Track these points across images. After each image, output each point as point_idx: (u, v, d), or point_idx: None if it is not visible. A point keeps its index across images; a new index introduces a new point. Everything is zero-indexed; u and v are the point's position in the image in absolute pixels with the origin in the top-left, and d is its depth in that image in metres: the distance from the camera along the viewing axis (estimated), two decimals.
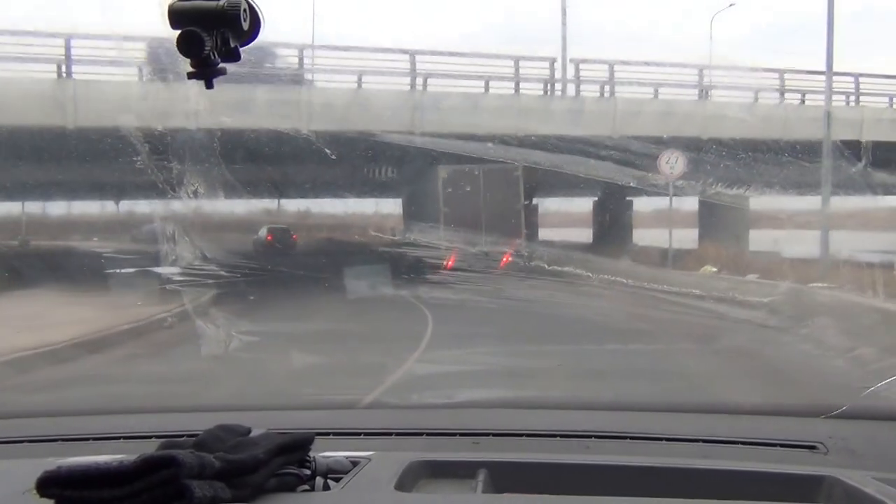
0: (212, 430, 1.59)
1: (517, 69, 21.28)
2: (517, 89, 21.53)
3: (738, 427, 2.40)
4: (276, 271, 15.76)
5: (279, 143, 15.55)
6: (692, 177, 17.24)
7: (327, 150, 14.45)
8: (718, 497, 1.69)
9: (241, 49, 1.42)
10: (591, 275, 11.94)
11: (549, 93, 21.88)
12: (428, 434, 2.34)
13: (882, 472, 1.84)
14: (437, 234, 17.16)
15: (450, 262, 14.25)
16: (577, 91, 21.97)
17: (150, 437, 2.02)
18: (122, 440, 2.24)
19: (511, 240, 17.71)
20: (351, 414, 2.80)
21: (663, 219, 20.73)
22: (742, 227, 22.63)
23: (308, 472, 1.60)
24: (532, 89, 21.91)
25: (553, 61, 21.96)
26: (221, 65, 1.41)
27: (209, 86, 1.43)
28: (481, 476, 1.78)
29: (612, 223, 24.43)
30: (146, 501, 1.30)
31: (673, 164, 17.42)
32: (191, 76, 1.41)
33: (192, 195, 9.26)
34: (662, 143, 17.63)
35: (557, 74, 21.80)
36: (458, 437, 2.30)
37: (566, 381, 5.69)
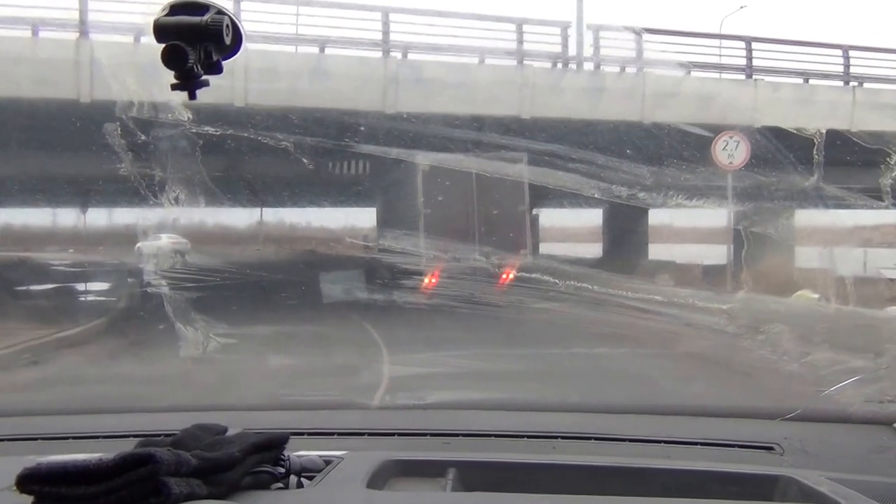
0: (189, 429, 1.59)
1: (520, 35, 16.73)
2: (520, 60, 16.84)
3: (699, 428, 2.42)
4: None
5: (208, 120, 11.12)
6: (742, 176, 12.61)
7: (273, 134, 10.75)
8: (679, 496, 1.70)
9: (223, 62, 1.44)
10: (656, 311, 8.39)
11: (560, 66, 17.21)
12: (400, 434, 2.35)
13: (834, 472, 1.87)
14: (415, 245, 13.76)
15: (431, 281, 11.52)
16: (597, 64, 17.37)
17: (129, 436, 2.00)
18: (101, 439, 2.22)
19: (512, 252, 14.22)
20: (325, 414, 2.79)
21: (698, 230, 17.30)
22: (789, 239, 16.36)
23: (282, 470, 1.60)
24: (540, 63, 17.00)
25: (566, 27, 17.01)
26: (204, 77, 1.44)
27: (192, 97, 1.48)
28: (451, 475, 1.78)
29: (634, 231, 20.27)
30: (124, 498, 1.30)
31: (732, 150, 13.02)
32: (174, 88, 1.46)
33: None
34: (711, 131, 13.00)
35: (572, 53, 17.08)
36: (429, 437, 2.30)
37: (535, 383, 5.72)
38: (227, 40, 1.42)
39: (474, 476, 1.83)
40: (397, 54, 16.30)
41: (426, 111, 14.66)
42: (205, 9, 1.41)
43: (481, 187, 14.84)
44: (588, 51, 17.31)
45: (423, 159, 13.91)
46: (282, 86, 13.97)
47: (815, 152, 7.57)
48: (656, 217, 20.68)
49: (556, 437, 2.28)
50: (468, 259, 13.10)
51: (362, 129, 13.86)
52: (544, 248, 20.45)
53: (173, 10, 1.40)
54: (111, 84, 10.92)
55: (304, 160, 11.97)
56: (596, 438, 2.29)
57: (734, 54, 18.22)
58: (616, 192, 11.21)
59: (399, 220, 16.42)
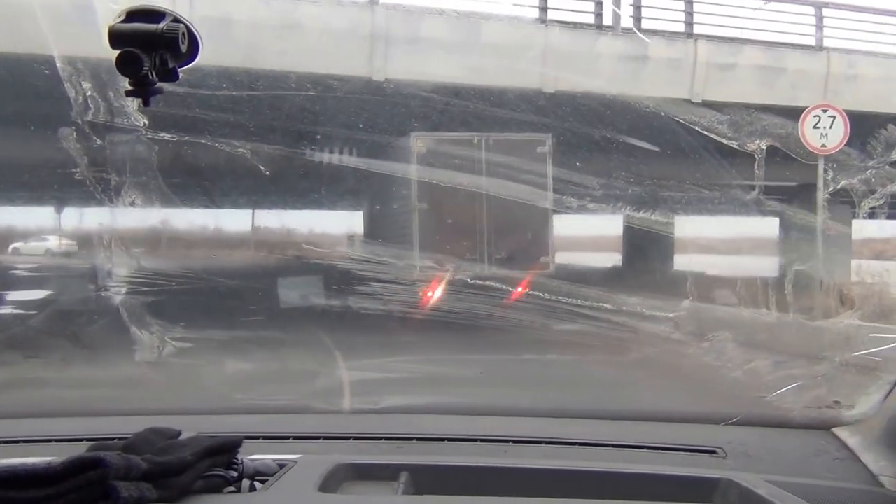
0: (141, 433, 1.56)
1: None
2: (544, 19, 13.27)
3: (645, 433, 2.43)
4: None
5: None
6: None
7: (222, 105, 9.04)
8: (625, 498, 1.71)
9: (179, 70, 1.43)
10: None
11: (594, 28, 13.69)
12: (355, 438, 2.33)
13: (774, 475, 1.90)
14: (407, 250, 11.21)
15: (427, 295, 9.85)
16: (638, 24, 13.78)
17: (81, 440, 1.96)
18: (52, 443, 2.17)
19: (530, 260, 11.41)
20: (280, 419, 2.76)
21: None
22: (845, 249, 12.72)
23: (235, 474, 1.58)
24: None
25: None
26: (159, 84, 1.42)
27: (146, 104, 1.46)
28: (403, 479, 1.77)
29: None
30: (72, 501, 1.27)
31: (825, 129, 9.77)
32: (128, 94, 1.45)
33: None
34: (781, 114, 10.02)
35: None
36: (383, 441, 2.29)
37: (488, 388, 5.74)
38: (183, 48, 1.40)
39: (427, 480, 1.82)
40: (387, 3, 12.78)
41: (423, 79, 11.59)
42: (161, 16, 1.39)
43: (493, 177, 11.62)
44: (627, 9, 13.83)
45: (419, 141, 11.46)
46: (237, 40, 10.47)
47: None
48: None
49: (507, 441, 2.29)
50: (474, 267, 10.69)
51: (341, 101, 10.98)
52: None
53: (129, 16, 1.39)
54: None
55: (266, 145, 10.30)
56: (546, 442, 2.30)
57: (802, 21, 14.69)
58: (651, 191, 10.08)
59: (387, 219, 13.31)
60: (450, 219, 11.73)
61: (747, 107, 10.06)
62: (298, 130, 11.38)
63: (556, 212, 11.85)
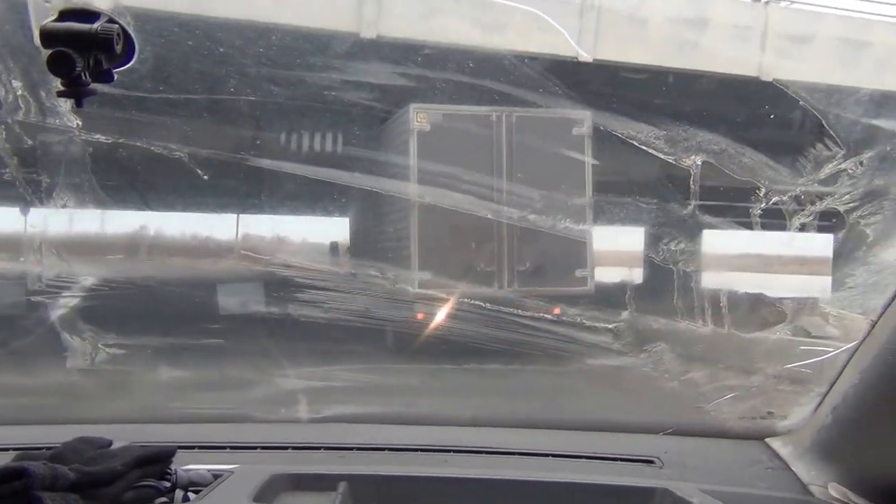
0: (70, 442, 1.52)
1: None
2: None
3: (584, 442, 2.45)
4: None
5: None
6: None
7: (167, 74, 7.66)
8: None
9: (114, 71, 1.40)
10: None
11: None
12: (294, 448, 2.31)
13: (709, 485, 1.94)
14: (403, 260, 9.43)
15: (425, 317, 8.46)
16: None
17: (7, 449, 1.90)
18: None
19: (564, 275, 9.38)
20: (218, 428, 2.71)
21: None
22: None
23: (168, 484, 1.55)
24: None
25: None
26: (93, 85, 1.40)
27: (79, 105, 1.45)
28: (341, 489, 1.76)
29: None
30: None
31: None
32: (60, 94, 1.42)
33: None
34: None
35: None
36: (323, 450, 2.27)
37: (430, 397, 5.74)
38: (118, 49, 1.37)
39: (366, 490, 1.81)
40: None
41: (425, 38, 9.38)
42: (96, 16, 1.37)
43: (516, 165, 9.54)
44: None
45: (420, 116, 9.36)
46: None
47: None
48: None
49: (448, 451, 2.28)
50: (489, 283, 8.92)
51: (323, 65, 8.81)
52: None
53: (63, 16, 1.36)
54: None
55: (217, 137, 8.94)
56: (487, 452, 2.30)
57: None
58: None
59: (377, 219, 11.01)
60: (459, 219, 9.14)
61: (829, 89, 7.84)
62: (256, 111, 9.71)
63: (598, 214, 9.72)
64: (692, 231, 8.82)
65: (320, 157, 10.84)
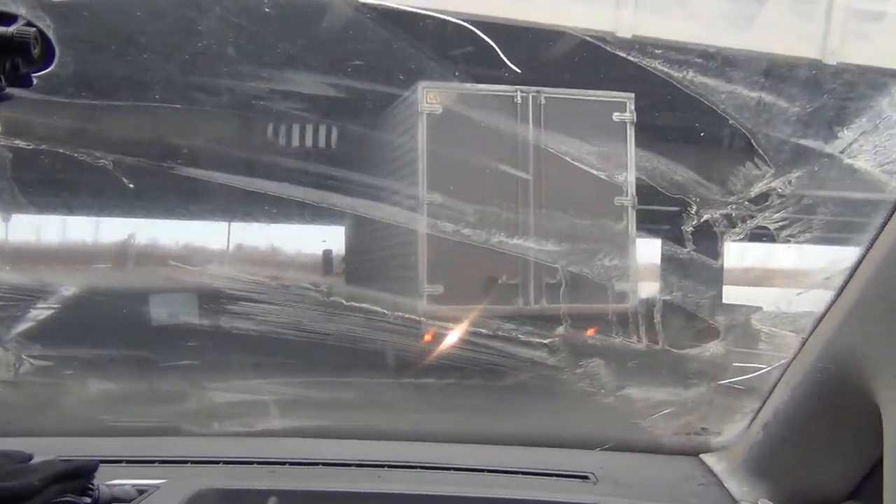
0: None
1: None
2: None
3: (520, 458, 2.46)
4: None
5: None
6: None
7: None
8: None
9: (33, 76, 1.38)
10: None
11: None
12: (225, 462, 2.26)
13: (642, 501, 1.95)
14: (410, 274, 8.23)
15: (435, 340, 7.60)
16: None
17: None
18: None
19: (601, 289, 7.92)
20: (147, 441, 2.65)
21: None
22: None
23: (89, 500, 1.50)
24: None
25: None
26: (9, 90, 1.36)
27: None
28: None
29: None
30: None
31: None
32: None
33: None
34: None
35: None
36: (255, 465, 2.23)
37: (365, 411, 5.70)
38: (36, 53, 1.34)
39: None
40: None
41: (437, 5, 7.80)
42: (13, 19, 1.32)
43: (543, 156, 8.24)
44: None
45: (430, 96, 8.01)
46: None
47: None
48: None
49: (382, 466, 2.27)
50: (513, 298, 7.87)
51: (290, 30, 7.62)
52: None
53: None
54: None
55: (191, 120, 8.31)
56: (422, 467, 2.29)
57: None
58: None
59: (370, 223, 9.50)
60: (476, 222, 7.90)
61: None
62: (235, 94, 8.77)
63: (642, 218, 8.35)
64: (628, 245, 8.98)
65: (301, 152, 10.02)
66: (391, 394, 7.07)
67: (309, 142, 10.41)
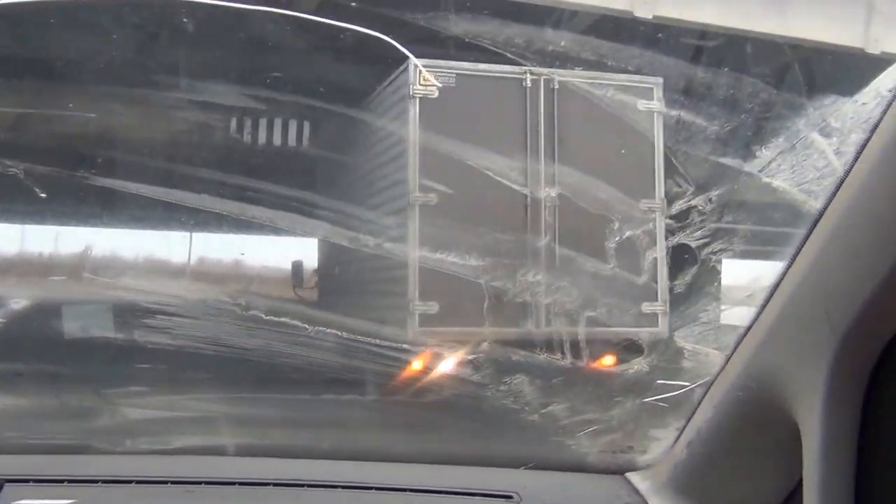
0: None
1: None
2: None
3: (444, 476, 2.45)
4: None
5: None
6: None
7: None
8: None
9: None
10: None
11: None
12: (138, 482, 2.21)
13: None
14: (395, 288, 7.48)
15: (423, 369, 7.09)
16: None
17: None
18: None
19: (625, 310, 7.02)
20: (55, 460, 2.57)
21: None
22: None
23: None
24: None
25: None
26: None
27: None
28: None
29: None
30: None
31: None
32: None
33: None
34: None
35: None
36: (169, 485, 2.18)
37: (286, 429, 5.62)
38: None
39: None
40: None
41: None
42: None
43: (556, 150, 7.32)
44: None
45: (425, 79, 7.06)
46: None
47: None
48: None
49: (302, 486, 2.24)
50: (521, 321, 6.99)
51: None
52: None
53: None
54: None
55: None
56: (342, 487, 2.27)
57: None
58: None
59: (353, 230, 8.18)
60: (477, 226, 7.01)
61: None
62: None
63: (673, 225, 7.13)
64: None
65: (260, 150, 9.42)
66: (312, 410, 6.99)
67: (266, 139, 9.88)
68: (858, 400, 1.14)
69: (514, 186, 7.30)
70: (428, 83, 7.15)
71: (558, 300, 7.20)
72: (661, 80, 7.47)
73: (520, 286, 7.14)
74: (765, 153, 5.70)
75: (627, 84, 7.50)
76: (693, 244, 6.79)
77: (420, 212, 7.28)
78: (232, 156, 9.99)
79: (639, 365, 6.14)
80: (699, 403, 2.04)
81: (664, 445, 2.30)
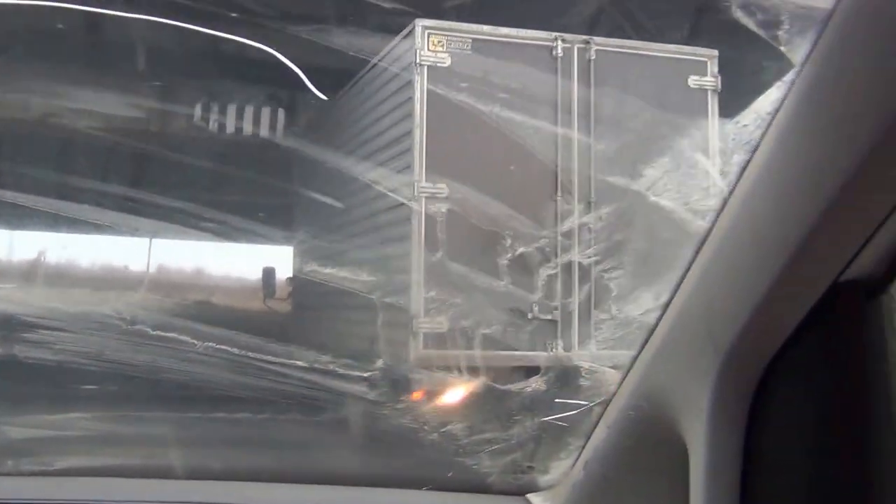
0: None
1: None
2: None
3: (341, 498, 2.45)
4: None
5: None
6: None
7: None
8: None
9: None
10: None
11: None
12: None
13: None
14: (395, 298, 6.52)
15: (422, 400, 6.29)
16: None
17: None
18: None
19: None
20: None
21: None
22: None
23: None
24: None
25: None
26: None
27: None
28: None
29: None
30: None
31: None
32: None
33: None
34: None
35: None
36: None
37: (171, 448, 5.49)
38: None
39: None
40: None
41: None
42: None
43: (590, 136, 6.36)
44: None
45: (434, 40, 6.02)
46: None
47: None
48: None
49: None
50: (547, 343, 6.22)
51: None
52: None
53: None
54: None
55: None
56: None
57: None
58: None
59: (343, 232, 7.64)
60: (496, 226, 6.05)
61: None
62: None
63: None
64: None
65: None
66: (202, 429, 6.84)
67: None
68: (742, 419, 1.16)
69: (541, 176, 6.34)
70: (438, 49, 6.06)
71: (592, 318, 6.36)
72: (716, 52, 6.56)
73: (546, 300, 6.27)
74: (651, 172, 5.64)
75: (677, 56, 6.59)
76: (584, 262, 6.80)
77: (427, 207, 6.14)
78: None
79: (536, 384, 6.22)
80: (597, 423, 2.09)
81: (565, 465, 2.36)
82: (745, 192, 1.02)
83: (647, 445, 1.74)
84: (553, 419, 4.56)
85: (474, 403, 6.57)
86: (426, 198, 6.14)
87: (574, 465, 2.25)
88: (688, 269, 1.31)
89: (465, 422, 5.60)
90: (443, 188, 6.15)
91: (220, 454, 5.55)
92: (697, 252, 1.27)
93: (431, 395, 6.90)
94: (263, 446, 6.15)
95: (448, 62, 6.08)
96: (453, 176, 6.15)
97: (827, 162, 0.76)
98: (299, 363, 8.80)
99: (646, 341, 1.63)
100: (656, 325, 1.55)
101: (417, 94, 6.14)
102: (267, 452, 5.82)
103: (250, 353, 9.04)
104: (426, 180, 6.18)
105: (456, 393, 6.99)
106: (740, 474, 1.17)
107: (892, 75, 0.62)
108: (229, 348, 9.15)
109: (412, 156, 6.24)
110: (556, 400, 5.24)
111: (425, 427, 5.85)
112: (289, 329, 10.86)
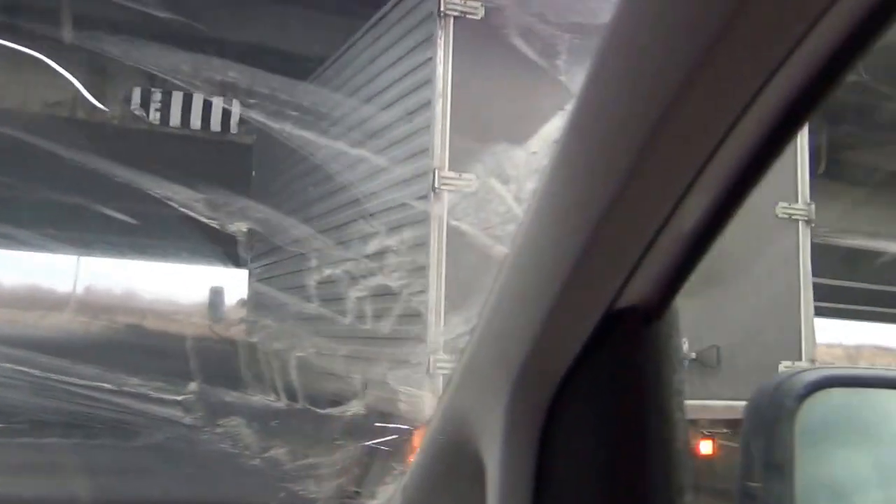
0: None
1: None
2: None
3: None
4: None
5: None
6: None
7: None
8: None
9: None
10: None
11: None
12: None
13: None
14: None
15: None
16: None
17: None
18: None
19: (752, 376, 4.16)
20: None
21: None
22: None
23: None
24: None
25: None
26: None
27: None
28: None
29: None
30: None
31: None
32: None
33: None
34: None
35: None
36: None
37: None
38: None
39: None
40: None
41: None
42: None
43: None
44: None
45: None
46: None
47: None
48: None
49: None
50: None
51: None
52: None
53: None
54: None
55: None
56: None
57: None
58: None
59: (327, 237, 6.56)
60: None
61: None
62: None
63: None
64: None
65: None
66: (7, 455, 6.54)
67: None
68: (534, 441, 1.13)
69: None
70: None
71: None
72: None
73: None
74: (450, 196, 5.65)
75: None
76: (393, 285, 6.81)
77: (448, 200, 4.89)
78: None
79: (356, 407, 6.35)
80: (418, 448, 2.22)
81: (390, 491, 2.53)
82: (531, 219, 1.04)
83: (454, 470, 1.80)
84: (376, 443, 4.66)
85: (294, 428, 6.62)
86: (448, 192, 4.86)
87: (396, 489, 2.41)
88: (489, 294, 1.26)
89: (287, 446, 5.67)
90: (469, 180, 4.88)
91: (19, 481, 5.37)
92: (497, 276, 1.37)
93: (250, 419, 6.94)
94: (76, 472, 5.97)
95: (480, 14, 4.87)
96: (485, 159, 4.92)
97: (590, 191, 0.81)
98: (106, 385, 8.55)
99: (457, 365, 1.70)
100: (465, 349, 1.62)
101: (440, 54, 4.83)
102: (79, 478, 5.67)
103: (52, 375, 8.70)
104: (447, 170, 4.86)
105: (274, 417, 7.04)
106: (532, 496, 1.11)
107: (643, 107, 0.67)
108: (29, 370, 8.76)
109: (430, 137, 4.92)
110: (377, 424, 5.33)
111: (246, 452, 5.85)
112: None
